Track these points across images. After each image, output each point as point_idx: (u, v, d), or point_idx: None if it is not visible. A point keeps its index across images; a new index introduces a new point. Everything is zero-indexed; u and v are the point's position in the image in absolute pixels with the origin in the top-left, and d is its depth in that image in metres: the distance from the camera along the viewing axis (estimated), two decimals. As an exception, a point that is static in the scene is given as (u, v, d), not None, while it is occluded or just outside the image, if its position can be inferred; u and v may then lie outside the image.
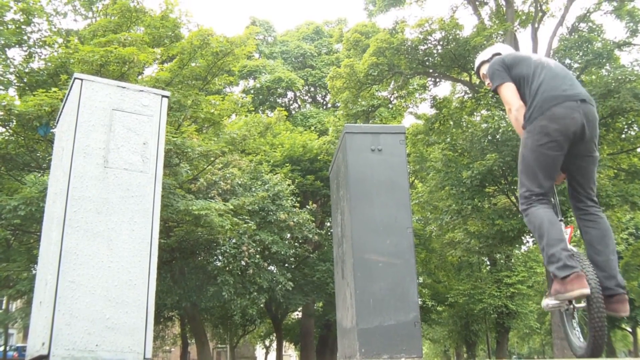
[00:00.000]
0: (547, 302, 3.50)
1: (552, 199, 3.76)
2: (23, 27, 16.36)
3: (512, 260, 35.36)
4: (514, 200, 21.54)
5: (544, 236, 3.44)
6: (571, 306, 3.54)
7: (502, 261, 35.75)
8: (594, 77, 20.46)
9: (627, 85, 17.88)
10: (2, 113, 13.73)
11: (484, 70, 4.29)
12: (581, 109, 3.54)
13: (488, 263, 37.61)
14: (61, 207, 3.44)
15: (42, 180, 14.19)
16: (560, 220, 3.65)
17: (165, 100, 4.01)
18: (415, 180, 28.53)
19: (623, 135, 20.94)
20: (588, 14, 22.65)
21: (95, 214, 3.52)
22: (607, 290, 3.41)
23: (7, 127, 15.03)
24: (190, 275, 19.98)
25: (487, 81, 4.16)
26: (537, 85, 3.69)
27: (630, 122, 20.24)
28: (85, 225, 3.47)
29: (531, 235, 20.74)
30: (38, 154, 16.13)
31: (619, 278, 3.48)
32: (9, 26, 16.08)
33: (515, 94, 3.81)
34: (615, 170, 21.39)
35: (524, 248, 32.39)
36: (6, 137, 15.33)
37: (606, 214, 21.56)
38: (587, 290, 3.23)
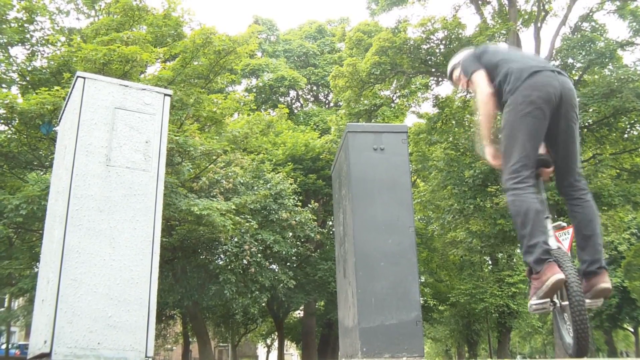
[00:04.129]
0: (531, 303, 3.44)
1: (541, 194, 3.73)
2: (26, 25, 16.41)
3: (514, 260, 35.33)
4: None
5: (528, 224, 3.36)
6: (557, 305, 3.51)
7: (503, 260, 35.74)
8: (596, 76, 20.45)
9: (629, 85, 17.87)
10: (4, 111, 13.76)
11: (456, 73, 4.26)
12: (558, 78, 3.59)
13: (490, 262, 37.60)
14: (63, 205, 3.45)
15: (45, 178, 14.20)
16: (547, 218, 3.62)
17: (168, 98, 4.01)
18: (417, 180, 28.52)
19: (625, 135, 20.93)
20: (591, 14, 22.59)
21: (98, 212, 3.52)
22: (589, 274, 3.43)
23: (10, 126, 15.06)
24: (192, 274, 19.99)
25: (461, 82, 4.17)
26: (510, 63, 3.74)
27: (632, 121, 20.23)
28: (88, 224, 3.47)
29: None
30: (40, 152, 16.15)
31: (602, 260, 3.46)
32: (12, 24, 16.12)
33: (487, 81, 3.84)
34: (618, 170, 21.38)
35: (525, 248, 32.30)
36: (9, 136, 15.36)
37: (608, 213, 21.60)
38: (561, 275, 3.20)
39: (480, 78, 3.85)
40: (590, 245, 3.50)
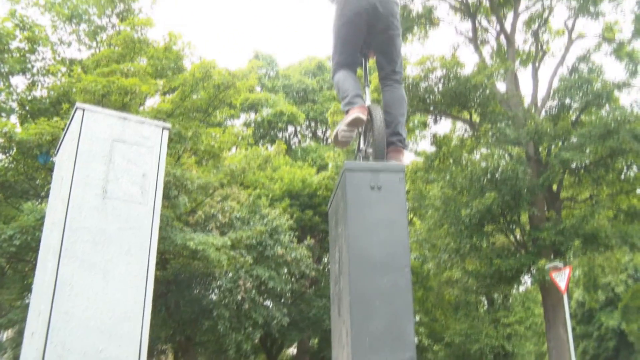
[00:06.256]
0: (337, 128, 4.03)
1: (360, 68, 4.37)
2: (27, 55, 16.51)
3: (510, 300, 35.11)
4: (513, 240, 21.49)
5: (341, 88, 4.05)
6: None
7: (499, 301, 35.52)
8: (593, 117, 20.55)
9: (626, 126, 17.95)
10: (2, 140, 13.78)
11: None
12: None
13: (485, 302, 37.37)
14: (58, 236, 3.42)
15: (40, 208, 14.15)
16: (366, 87, 4.20)
17: (166, 132, 4.02)
18: (414, 218, 28.48)
19: (622, 176, 20.97)
20: (588, 55, 22.83)
21: (93, 244, 3.49)
22: (390, 145, 3.95)
23: (7, 154, 15.06)
24: (185, 308, 19.81)
25: None
26: None
27: (629, 163, 20.27)
28: (82, 256, 3.44)
29: (529, 275, 20.67)
30: (37, 182, 16.13)
31: (403, 136, 4.06)
32: (14, 54, 16.23)
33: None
34: (615, 211, 21.38)
35: (521, 288, 32.20)
36: (6, 165, 15.35)
37: (605, 255, 21.56)
38: (362, 115, 3.78)
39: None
40: (392, 119, 4.06)
